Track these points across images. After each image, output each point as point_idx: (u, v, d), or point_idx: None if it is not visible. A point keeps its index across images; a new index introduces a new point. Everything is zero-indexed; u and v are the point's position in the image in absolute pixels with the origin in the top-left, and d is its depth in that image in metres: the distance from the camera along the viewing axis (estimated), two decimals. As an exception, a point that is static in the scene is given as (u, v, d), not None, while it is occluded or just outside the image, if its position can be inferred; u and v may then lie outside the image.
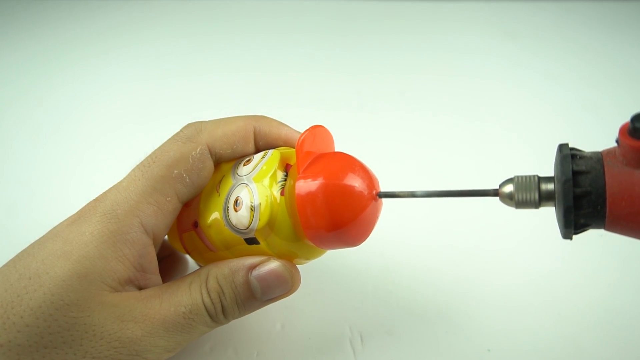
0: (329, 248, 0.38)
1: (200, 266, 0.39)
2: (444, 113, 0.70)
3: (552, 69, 0.77)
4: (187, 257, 0.46)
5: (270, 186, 0.36)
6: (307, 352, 0.44)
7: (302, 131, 0.38)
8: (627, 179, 0.30)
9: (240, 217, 0.36)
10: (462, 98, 0.72)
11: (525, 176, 0.33)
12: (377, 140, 0.66)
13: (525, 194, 0.33)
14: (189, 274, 0.38)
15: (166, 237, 0.43)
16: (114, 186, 0.37)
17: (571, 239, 0.32)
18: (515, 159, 0.62)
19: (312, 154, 0.37)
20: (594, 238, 0.38)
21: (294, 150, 0.38)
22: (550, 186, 0.32)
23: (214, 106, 0.74)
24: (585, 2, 0.93)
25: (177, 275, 0.46)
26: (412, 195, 0.37)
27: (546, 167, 0.36)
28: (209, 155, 0.39)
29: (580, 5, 0.92)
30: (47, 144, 0.69)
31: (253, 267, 0.36)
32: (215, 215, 0.37)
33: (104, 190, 0.38)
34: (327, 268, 0.49)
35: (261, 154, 0.39)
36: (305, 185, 0.35)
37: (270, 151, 0.39)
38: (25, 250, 0.36)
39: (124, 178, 0.38)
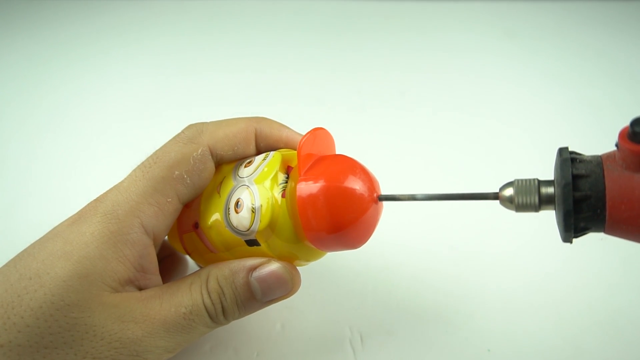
0: (329, 250, 0.38)
1: (201, 267, 0.39)
2: (444, 113, 0.70)
3: (553, 69, 0.77)
4: (187, 257, 0.46)
5: (272, 188, 0.36)
6: (307, 352, 0.44)
7: (303, 133, 0.38)
8: (626, 183, 0.30)
9: (241, 218, 0.36)
10: (463, 98, 0.72)
11: (525, 180, 0.33)
12: (377, 140, 0.66)
13: (525, 197, 0.33)
14: (190, 274, 0.38)
15: (166, 237, 0.43)
16: (114, 186, 0.37)
17: (571, 242, 0.32)
18: (516, 158, 0.62)
19: (313, 156, 0.37)
20: (594, 240, 0.38)
21: (295, 152, 0.38)
22: (550, 190, 0.33)
23: (214, 106, 0.74)
24: (585, 2, 0.92)
25: (177, 275, 0.46)
26: (413, 198, 0.37)
27: (547, 166, 0.36)
28: (210, 157, 0.39)
29: (580, 5, 0.92)
30: (47, 143, 0.69)
31: (253, 269, 0.37)
32: (216, 217, 0.38)
33: (104, 190, 0.38)
34: (328, 268, 0.49)
35: (262, 155, 0.39)
36: (307, 188, 0.36)
37: (272, 153, 0.39)
38: (25, 250, 0.36)
39: (125, 178, 0.38)
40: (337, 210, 0.35)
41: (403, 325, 0.46)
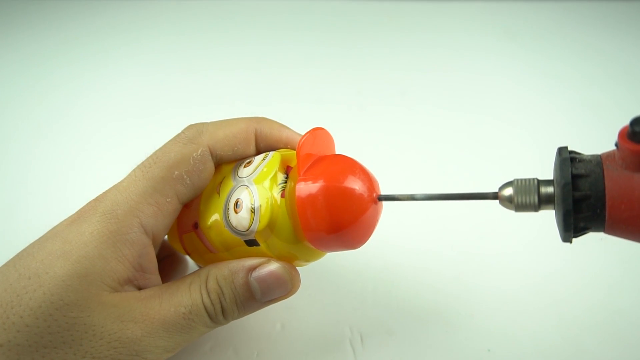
0: (329, 250, 0.38)
1: (200, 267, 0.39)
2: (445, 113, 0.70)
3: (553, 69, 0.77)
4: (187, 257, 0.46)
5: (271, 188, 0.36)
6: (307, 352, 0.44)
7: (303, 133, 0.38)
8: (626, 183, 0.30)
9: (241, 218, 0.36)
10: (463, 98, 0.72)
11: (525, 179, 0.33)
12: (377, 140, 0.66)
13: (524, 197, 0.33)
14: (189, 274, 0.38)
15: (166, 237, 0.43)
16: (114, 186, 0.37)
17: (571, 242, 0.32)
18: (516, 158, 0.62)
19: (312, 156, 0.37)
20: (594, 239, 0.38)
21: (295, 152, 0.38)
22: (550, 189, 0.33)
23: (214, 105, 0.74)
24: (585, 2, 0.92)
25: (176, 275, 0.46)
26: (412, 198, 0.37)
27: (547, 166, 0.36)
28: (210, 157, 0.39)
29: (580, 5, 0.92)
30: (47, 143, 0.69)
31: (253, 269, 0.36)
32: (215, 217, 0.38)
33: (103, 190, 0.38)
34: (327, 268, 0.49)
35: (262, 155, 0.39)
36: (306, 188, 0.35)
37: (271, 153, 0.39)
38: (24, 250, 0.36)
39: (125, 178, 0.38)
40: (336, 210, 0.35)
41: (403, 325, 0.46)
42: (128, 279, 0.35)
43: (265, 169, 0.37)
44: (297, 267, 0.39)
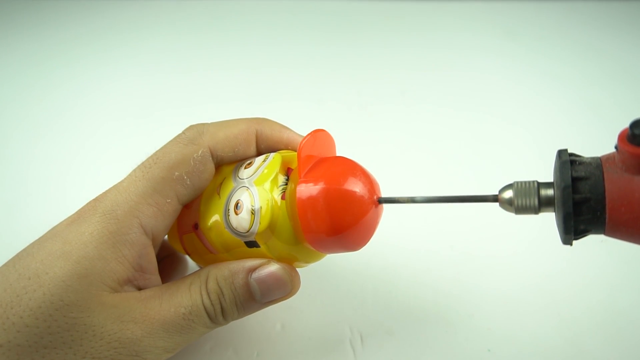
0: (329, 252, 0.38)
1: (201, 267, 0.39)
2: (445, 113, 0.70)
3: (553, 69, 0.77)
4: (187, 257, 0.46)
5: (271, 190, 0.36)
6: (307, 352, 0.44)
7: (303, 133, 0.38)
8: (626, 185, 0.30)
9: (241, 220, 0.36)
10: (463, 98, 0.72)
11: (525, 182, 0.33)
12: (377, 140, 0.66)
13: (524, 199, 0.33)
14: (189, 275, 0.38)
15: (166, 237, 0.43)
16: (114, 186, 0.37)
17: (571, 244, 0.32)
18: (516, 157, 0.62)
19: (313, 157, 0.37)
20: (595, 241, 0.38)
21: (296, 153, 0.38)
22: (550, 192, 0.33)
23: (214, 105, 0.74)
24: (586, 2, 0.92)
25: (176, 275, 0.46)
26: (412, 201, 0.37)
27: (548, 166, 0.36)
28: (211, 158, 0.39)
29: (580, 5, 0.92)
30: (46, 143, 0.69)
31: (253, 270, 0.37)
32: (215, 218, 0.38)
33: (103, 190, 0.38)
34: (327, 268, 0.49)
35: (262, 157, 0.39)
36: (306, 190, 0.35)
37: (272, 154, 0.39)
38: (24, 250, 0.36)
39: (125, 178, 0.38)
40: (336, 212, 0.35)
41: (403, 325, 0.46)
42: (128, 279, 0.35)
43: (266, 171, 0.37)
44: (297, 268, 0.39)
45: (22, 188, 0.63)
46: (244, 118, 0.41)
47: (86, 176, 0.63)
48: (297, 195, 0.36)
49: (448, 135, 0.66)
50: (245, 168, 0.39)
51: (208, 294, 0.36)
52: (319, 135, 0.38)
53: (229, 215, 0.37)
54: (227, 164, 0.40)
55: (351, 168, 0.37)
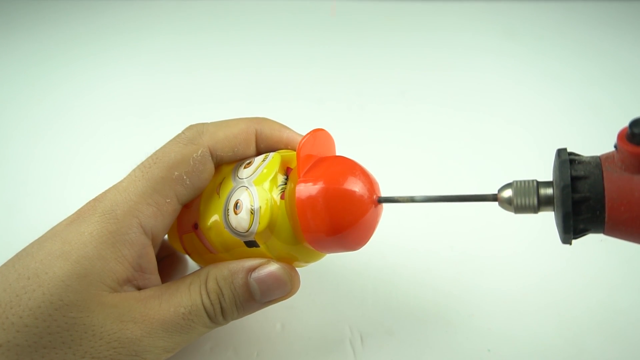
0: (328, 252, 0.38)
1: (200, 267, 0.39)
2: (445, 112, 0.70)
3: (553, 69, 0.77)
4: (187, 257, 0.46)
5: (271, 190, 0.36)
6: (307, 352, 0.44)
7: (303, 133, 0.38)
8: (625, 185, 0.30)
9: (240, 220, 0.36)
10: (463, 98, 0.72)
11: (524, 181, 0.33)
12: (377, 139, 0.66)
13: (524, 199, 0.33)
14: (189, 274, 0.38)
15: (166, 237, 0.43)
16: (113, 186, 0.37)
17: (570, 244, 0.32)
18: (516, 157, 0.62)
19: (312, 157, 0.37)
20: (595, 240, 0.38)
21: (295, 153, 0.38)
22: (549, 191, 0.32)
23: (214, 105, 0.74)
24: (586, 2, 0.92)
25: (176, 275, 0.46)
26: (412, 200, 0.37)
27: (548, 166, 0.36)
28: (210, 158, 0.39)
29: (580, 5, 0.92)
30: (46, 143, 0.69)
31: (252, 269, 0.37)
32: (215, 218, 0.38)
33: (102, 190, 0.38)
34: (327, 268, 0.49)
35: (262, 156, 0.39)
36: (306, 189, 0.35)
37: (271, 154, 0.39)
38: (24, 250, 0.36)
39: (124, 178, 0.38)
40: (336, 212, 0.35)
41: (403, 325, 0.46)
42: (127, 279, 0.35)
43: (265, 170, 0.37)
44: (297, 268, 0.39)
45: (21, 188, 0.63)
46: (244, 118, 0.41)
47: (86, 176, 0.63)
48: (297, 194, 0.36)
49: (448, 134, 0.66)
50: (244, 168, 0.39)
51: (208, 293, 0.36)
52: (319, 135, 0.38)
53: (228, 215, 0.37)
54: (226, 163, 0.40)
55: (351, 167, 0.37)
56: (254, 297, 0.37)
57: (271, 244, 0.36)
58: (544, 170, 0.36)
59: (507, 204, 0.34)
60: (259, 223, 0.35)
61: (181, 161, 0.37)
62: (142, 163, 0.38)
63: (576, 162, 0.31)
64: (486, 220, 0.53)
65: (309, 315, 0.47)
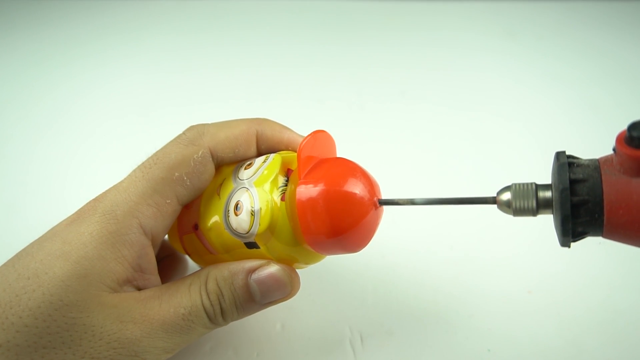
0: (328, 254, 0.38)
1: (201, 268, 0.39)
2: (445, 112, 0.70)
3: (554, 69, 0.77)
4: (187, 257, 0.46)
5: (271, 191, 0.36)
6: (307, 352, 0.44)
7: (304, 134, 0.38)
8: (624, 188, 0.30)
9: (241, 221, 0.36)
10: (463, 97, 0.72)
11: (523, 184, 0.33)
12: (377, 140, 0.66)
13: (522, 201, 0.33)
14: (188, 275, 0.38)
15: (166, 237, 0.43)
16: (113, 186, 0.37)
17: (569, 246, 0.32)
18: (516, 157, 0.62)
19: (313, 159, 0.37)
20: (595, 241, 0.38)
21: (296, 154, 0.38)
22: (548, 194, 0.33)
23: (214, 105, 0.74)
24: (586, 2, 0.92)
25: (176, 275, 0.46)
26: (412, 202, 0.37)
27: (548, 166, 0.36)
28: (211, 159, 0.39)
29: (580, 5, 0.92)
30: (46, 143, 0.69)
31: (252, 271, 0.37)
32: (215, 219, 0.38)
33: (102, 190, 0.38)
34: (327, 269, 0.49)
35: (262, 158, 0.39)
36: (306, 191, 0.35)
37: (272, 155, 0.39)
38: (24, 250, 0.36)
39: (125, 178, 0.38)
40: (336, 214, 0.35)
41: (403, 325, 0.46)
42: (127, 279, 0.35)
43: (265, 172, 0.37)
44: (297, 269, 0.39)
45: (21, 188, 0.63)
46: (245, 119, 0.41)
47: (85, 176, 0.63)
48: (297, 196, 0.36)
49: (447, 134, 0.66)
50: (245, 169, 0.39)
51: (208, 294, 0.36)
52: (319, 136, 0.38)
53: (228, 216, 0.37)
54: (227, 164, 0.40)
55: (351, 169, 0.37)
56: (253, 298, 0.37)
57: (271, 246, 0.36)
58: (544, 171, 0.36)
59: (506, 206, 0.34)
60: (260, 224, 0.35)
61: (182, 162, 0.37)
62: (143, 163, 0.38)
63: (575, 165, 0.31)
64: (486, 221, 0.53)
65: (309, 315, 0.47)
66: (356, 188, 0.36)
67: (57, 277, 0.33)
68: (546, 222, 0.39)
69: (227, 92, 0.76)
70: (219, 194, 0.38)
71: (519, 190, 0.33)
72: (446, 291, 0.48)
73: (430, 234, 0.53)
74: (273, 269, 0.37)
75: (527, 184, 0.33)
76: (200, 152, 0.38)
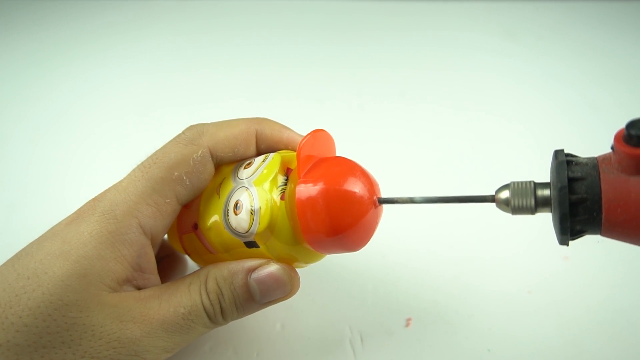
0: (328, 253, 0.38)
1: (200, 267, 0.39)
2: (445, 112, 0.70)
3: (554, 69, 0.77)
4: (187, 257, 0.46)
5: (271, 190, 0.36)
6: (307, 352, 0.44)
7: (303, 133, 0.38)
8: (622, 186, 0.30)
9: (240, 220, 0.36)
10: (463, 97, 0.72)
11: (522, 182, 0.33)
12: (377, 139, 0.66)
13: (521, 200, 0.33)
14: (188, 274, 0.38)
15: (166, 236, 0.43)
16: (113, 186, 0.37)
17: (567, 245, 0.32)
18: (516, 157, 0.62)
19: (313, 158, 0.37)
20: (594, 240, 0.38)
21: (295, 154, 0.38)
22: (547, 192, 0.33)
23: (214, 104, 0.74)
24: (586, 2, 0.92)
25: (176, 275, 0.46)
26: (412, 201, 0.37)
27: (548, 166, 0.36)
28: (210, 158, 0.39)
29: (580, 5, 0.92)
30: (45, 143, 0.69)
31: (252, 270, 0.37)
32: (215, 218, 0.38)
33: (102, 190, 0.38)
34: (327, 269, 0.49)
35: (262, 157, 0.39)
36: (306, 190, 0.35)
37: (271, 155, 0.39)
38: (23, 249, 0.36)
39: (124, 178, 0.38)
40: (336, 213, 0.35)
41: (403, 325, 0.46)
42: (127, 279, 0.35)
43: (265, 171, 0.37)
44: (297, 269, 0.39)
45: (21, 188, 0.63)
46: (244, 118, 0.41)
47: (85, 176, 0.63)
48: (297, 195, 0.36)
49: (447, 134, 0.66)
50: (244, 168, 0.39)
51: (207, 294, 0.36)
52: (319, 136, 0.38)
53: (228, 216, 0.37)
54: (226, 164, 0.40)
55: (351, 168, 0.37)
56: (253, 297, 0.37)
57: (271, 245, 0.36)
58: (544, 170, 0.36)
59: (505, 205, 0.34)
60: (259, 224, 0.35)
61: (181, 161, 0.37)
62: (142, 163, 0.38)
63: (573, 163, 0.32)
64: (486, 221, 0.53)
65: (309, 315, 0.47)
66: (356, 187, 0.36)
67: (56, 277, 0.33)
68: (546, 222, 0.39)
69: (227, 92, 0.76)
70: (218, 194, 0.38)
71: (517, 188, 0.33)
72: (446, 291, 0.48)
73: (431, 233, 0.53)
74: (273, 268, 0.37)
75: (526, 182, 0.33)
76: (200, 152, 0.38)
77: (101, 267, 0.34)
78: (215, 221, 0.37)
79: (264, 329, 0.46)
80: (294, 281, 0.38)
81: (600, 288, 0.47)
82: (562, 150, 0.32)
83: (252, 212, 0.36)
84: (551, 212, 0.33)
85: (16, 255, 0.35)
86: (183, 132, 0.40)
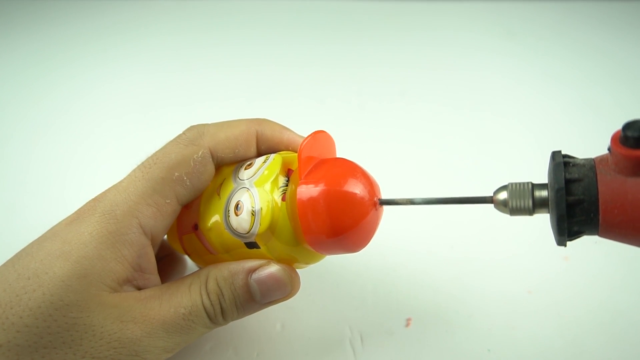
0: (329, 253, 0.38)
1: (200, 267, 0.39)
2: (445, 112, 0.70)
3: (554, 69, 0.77)
4: (186, 257, 0.46)
5: (272, 191, 0.36)
6: (307, 352, 0.44)
7: (304, 134, 0.38)
8: (619, 187, 0.30)
9: (241, 221, 0.36)
10: (463, 97, 0.72)
11: (519, 183, 0.33)
12: (377, 139, 0.66)
13: (519, 201, 0.33)
14: (189, 275, 0.38)
15: (166, 237, 0.43)
16: (113, 186, 0.37)
17: (565, 245, 0.32)
18: (516, 157, 0.62)
19: (313, 159, 0.37)
20: (594, 241, 0.38)
21: (296, 155, 0.38)
22: (544, 193, 0.33)
23: (214, 105, 0.74)
24: (586, 2, 0.92)
25: (176, 275, 0.46)
26: (412, 202, 0.37)
27: (547, 166, 0.36)
28: (211, 159, 0.39)
29: (580, 5, 0.92)
30: (46, 143, 0.69)
31: (253, 270, 0.37)
32: (215, 219, 0.38)
33: (102, 190, 0.38)
34: (327, 269, 0.49)
35: (262, 158, 0.39)
36: (307, 191, 0.35)
37: (272, 156, 0.39)
38: (23, 250, 0.36)
39: (124, 178, 0.38)
40: (337, 214, 0.35)
41: (403, 325, 0.46)
42: (127, 279, 0.35)
43: (266, 172, 0.37)
44: (297, 269, 0.39)
45: (21, 188, 0.63)
46: (245, 119, 0.41)
47: (85, 176, 0.63)
48: (298, 196, 0.36)
49: (448, 134, 0.66)
50: (245, 169, 0.39)
51: (208, 294, 0.36)
52: (320, 137, 0.38)
53: (229, 216, 0.37)
54: (227, 164, 0.40)
55: (351, 169, 0.37)
56: (254, 298, 0.37)
57: (272, 245, 0.37)
58: (544, 170, 0.36)
59: (503, 206, 0.34)
60: (260, 224, 0.36)
61: (181, 162, 0.37)
62: (143, 163, 0.38)
63: (570, 164, 0.32)
64: (486, 222, 0.53)
65: (309, 315, 0.47)
66: (356, 188, 0.36)
67: (57, 277, 0.33)
68: (546, 222, 0.39)
69: (227, 92, 0.76)
70: (219, 194, 0.38)
71: (515, 189, 0.33)
72: (446, 291, 0.48)
73: (431, 234, 0.53)
74: (273, 268, 0.37)
75: (524, 183, 0.33)
76: (200, 152, 0.38)
77: (102, 267, 0.34)
78: (216, 222, 0.37)
79: (264, 329, 0.46)
80: (294, 282, 0.38)
81: (601, 288, 0.47)
82: (560, 152, 0.32)
83: (253, 213, 0.36)
84: (549, 213, 0.33)
85: (16, 255, 0.35)
86: (184, 133, 0.40)
